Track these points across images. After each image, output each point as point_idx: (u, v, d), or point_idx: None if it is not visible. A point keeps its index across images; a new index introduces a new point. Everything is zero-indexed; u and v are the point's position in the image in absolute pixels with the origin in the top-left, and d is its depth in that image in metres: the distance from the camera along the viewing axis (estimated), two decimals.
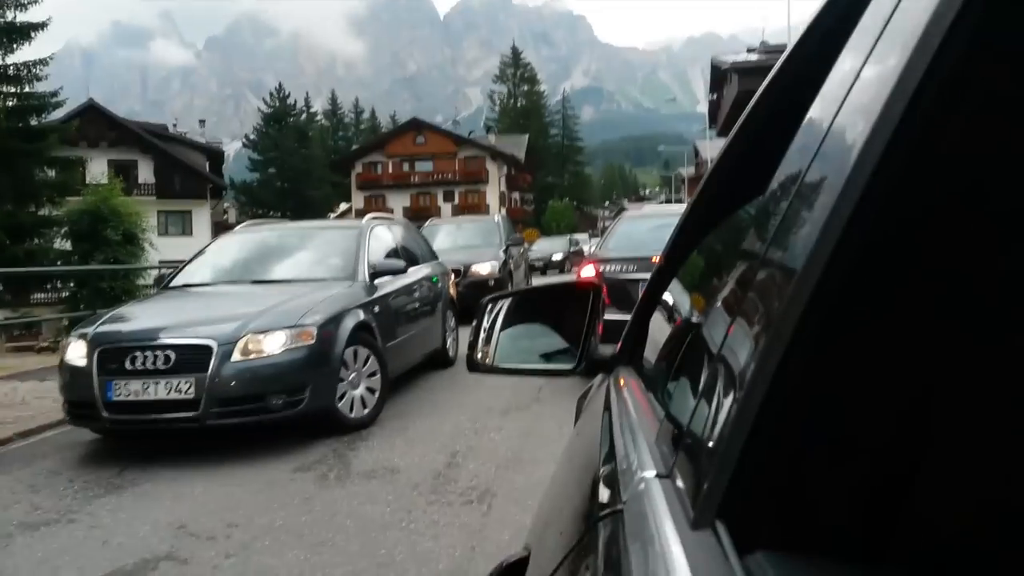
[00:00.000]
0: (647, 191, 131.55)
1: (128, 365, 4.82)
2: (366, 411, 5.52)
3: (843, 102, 0.48)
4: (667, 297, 1.21)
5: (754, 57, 48.57)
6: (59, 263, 22.84)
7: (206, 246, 7.46)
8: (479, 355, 1.51)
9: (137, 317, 5.67)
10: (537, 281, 21.83)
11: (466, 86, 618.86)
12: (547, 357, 1.51)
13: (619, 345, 1.33)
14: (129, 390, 4.81)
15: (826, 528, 0.41)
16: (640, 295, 1.35)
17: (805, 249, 0.43)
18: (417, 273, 7.20)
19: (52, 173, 29.92)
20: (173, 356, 4.80)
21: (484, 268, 11.56)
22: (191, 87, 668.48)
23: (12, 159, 27.31)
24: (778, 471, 0.42)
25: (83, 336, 5.18)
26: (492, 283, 11.31)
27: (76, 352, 5.11)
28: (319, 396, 5.09)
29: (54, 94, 30.51)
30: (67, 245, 25.85)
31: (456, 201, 61.36)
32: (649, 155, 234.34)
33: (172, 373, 4.77)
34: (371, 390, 5.61)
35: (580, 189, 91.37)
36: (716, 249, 1.06)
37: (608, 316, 2.54)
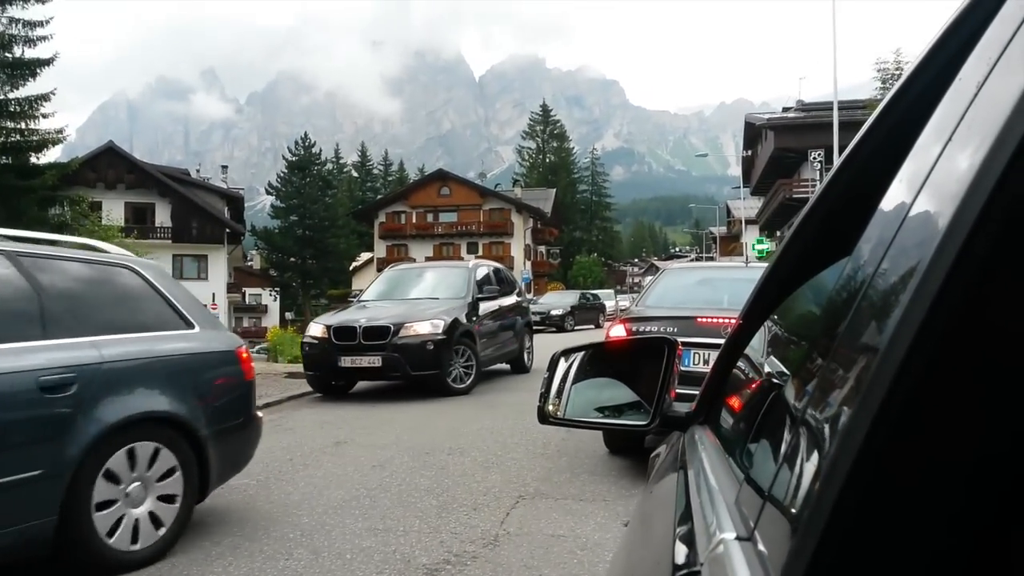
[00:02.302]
0: (677, 249, 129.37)
1: None
2: None
3: (924, 183, 0.49)
4: (745, 357, 1.21)
5: (791, 115, 46.69)
6: None
7: None
8: (550, 407, 1.49)
9: None
10: (540, 340, 19.25)
11: (498, 145, 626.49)
12: (619, 412, 1.47)
13: (695, 404, 1.33)
14: None
15: None
16: (711, 357, 1.45)
17: (893, 320, 0.43)
18: None
19: (63, 211, 28.57)
20: None
21: (422, 327, 8.90)
22: (232, 140, 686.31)
23: (6, 195, 25.93)
24: (866, 541, 0.41)
25: None
26: (431, 346, 8.77)
27: None
28: None
29: (59, 131, 29.33)
30: None
31: (480, 252, 59.74)
32: (679, 215, 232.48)
33: None
34: None
35: (609, 245, 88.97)
36: (798, 313, 1.06)
37: None
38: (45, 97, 27.81)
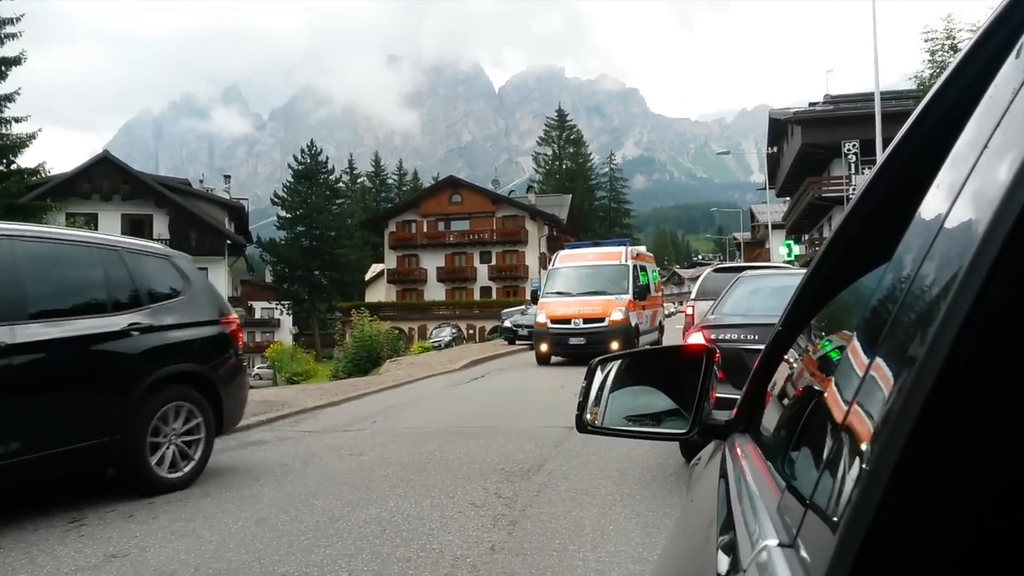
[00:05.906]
0: (700, 257, 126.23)
1: None
2: None
3: (960, 191, 0.49)
4: (786, 363, 1.21)
5: (819, 108, 43.81)
6: None
7: None
8: (588, 416, 1.49)
9: None
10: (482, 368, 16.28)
11: (519, 155, 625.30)
12: (657, 420, 1.47)
13: (735, 411, 1.33)
14: None
15: None
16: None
17: (932, 330, 0.43)
18: None
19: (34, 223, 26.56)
20: None
21: None
22: (256, 155, 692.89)
23: None
24: (909, 546, 0.42)
25: None
26: None
27: None
28: None
29: (32, 136, 27.33)
30: None
31: (493, 262, 57.40)
32: (702, 222, 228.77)
33: None
34: None
35: None
36: (838, 319, 1.07)
37: (721, 393, 2.32)
38: (9, 98, 25.83)
